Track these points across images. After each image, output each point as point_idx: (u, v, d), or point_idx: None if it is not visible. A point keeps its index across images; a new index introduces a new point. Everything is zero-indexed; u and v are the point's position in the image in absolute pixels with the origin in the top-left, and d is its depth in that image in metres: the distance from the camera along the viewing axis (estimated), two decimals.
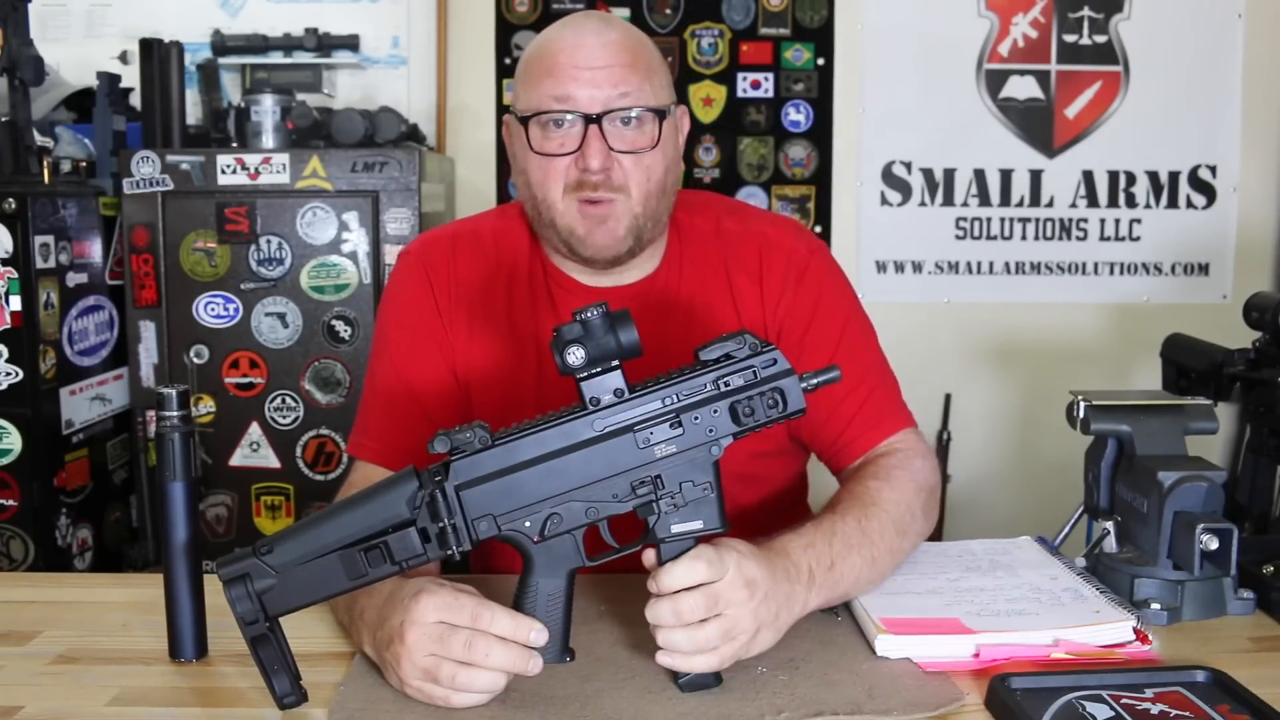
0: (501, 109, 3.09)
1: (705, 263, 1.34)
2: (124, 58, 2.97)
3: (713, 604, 0.97)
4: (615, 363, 0.97)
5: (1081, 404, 1.26)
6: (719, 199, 1.46)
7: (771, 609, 1.01)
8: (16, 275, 2.19)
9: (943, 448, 3.09)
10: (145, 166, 2.47)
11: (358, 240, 2.50)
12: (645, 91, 1.23)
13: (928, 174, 3.14)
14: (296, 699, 0.98)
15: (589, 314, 0.95)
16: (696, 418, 0.98)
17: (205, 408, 2.52)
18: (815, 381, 1.01)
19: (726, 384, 0.99)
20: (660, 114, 1.25)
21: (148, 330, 2.52)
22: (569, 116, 1.22)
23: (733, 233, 1.35)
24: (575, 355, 0.96)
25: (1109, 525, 1.24)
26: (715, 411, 0.99)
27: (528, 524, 0.99)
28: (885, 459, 1.27)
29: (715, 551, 0.98)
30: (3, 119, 2.31)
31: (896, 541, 1.18)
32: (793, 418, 1.00)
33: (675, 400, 0.98)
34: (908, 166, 3.14)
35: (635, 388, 0.99)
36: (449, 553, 0.98)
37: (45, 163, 2.35)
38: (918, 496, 1.23)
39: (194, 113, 2.86)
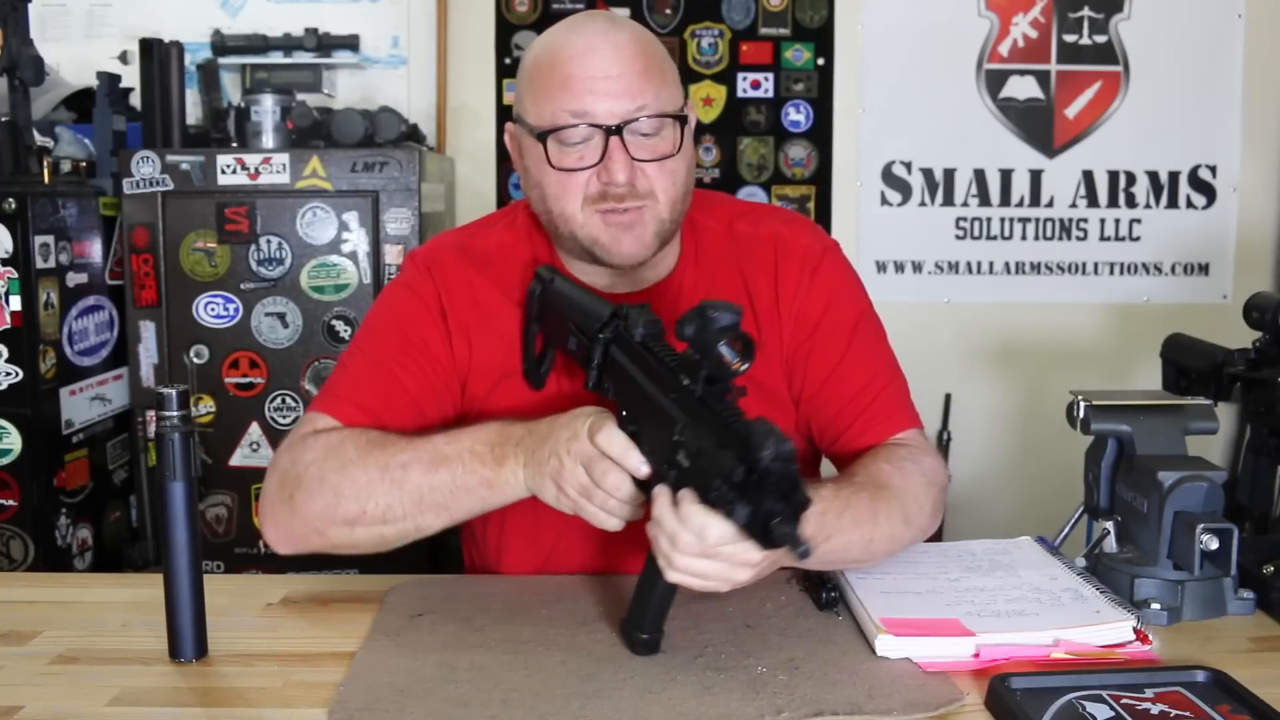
0: (502, 109, 3.09)
1: (720, 264, 1.34)
2: (124, 58, 2.96)
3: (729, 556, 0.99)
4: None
5: (1081, 404, 1.26)
6: (726, 198, 1.45)
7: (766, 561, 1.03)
8: (16, 275, 2.19)
9: (943, 448, 3.09)
10: (145, 166, 2.47)
11: (358, 240, 2.50)
12: (663, 98, 1.21)
13: (928, 174, 3.14)
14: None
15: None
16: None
17: (205, 408, 2.52)
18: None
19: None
20: (681, 119, 1.23)
21: (148, 330, 2.52)
22: (587, 130, 1.19)
23: (746, 234, 1.35)
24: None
25: (1109, 525, 1.25)
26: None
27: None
28: (897, 449, 1.27)
29: None
30: (3, 119, 2.31)
31: (900, 530, 1.19)
32: None
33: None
34: (908, 166, 3.14)
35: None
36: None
37: (45, 163, 2.35)
38: (927, 491, 1.24)
39: (194, 113, 2.85)
